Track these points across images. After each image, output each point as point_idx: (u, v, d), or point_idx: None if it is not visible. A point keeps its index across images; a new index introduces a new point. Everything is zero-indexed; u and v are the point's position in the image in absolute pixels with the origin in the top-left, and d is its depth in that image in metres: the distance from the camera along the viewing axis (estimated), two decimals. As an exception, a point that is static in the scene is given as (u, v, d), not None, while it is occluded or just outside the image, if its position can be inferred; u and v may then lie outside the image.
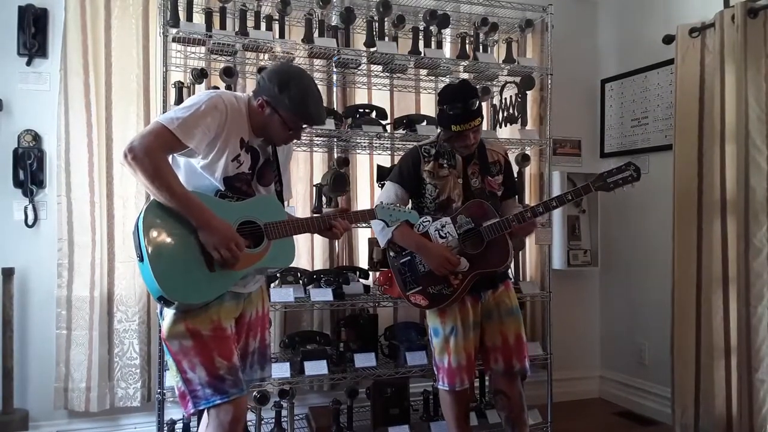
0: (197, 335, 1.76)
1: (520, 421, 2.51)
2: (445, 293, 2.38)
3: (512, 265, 2.55)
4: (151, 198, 1.75)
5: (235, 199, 1.86)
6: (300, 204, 3.30)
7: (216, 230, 1.74)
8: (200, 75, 2.85)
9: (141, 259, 1.71)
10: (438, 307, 2.41)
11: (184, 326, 1.76)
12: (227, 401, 1.76)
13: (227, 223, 1.78)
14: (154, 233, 1.71)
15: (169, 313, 1.79)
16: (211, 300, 1.78)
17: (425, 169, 2.45)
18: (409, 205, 2.49)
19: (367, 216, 2.11)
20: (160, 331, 2.69)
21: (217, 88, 2.59)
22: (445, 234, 2.39)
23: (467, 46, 3.34)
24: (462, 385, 2.42)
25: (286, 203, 2.09)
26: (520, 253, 3.64)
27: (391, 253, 2.51)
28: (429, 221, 2.43)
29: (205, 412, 1.81)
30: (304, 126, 1.99)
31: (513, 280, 2.79)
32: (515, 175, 2.62)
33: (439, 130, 2.54)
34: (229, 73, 2.83)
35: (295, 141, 2.08)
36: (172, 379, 1.85)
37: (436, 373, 2.50)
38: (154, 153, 1.68)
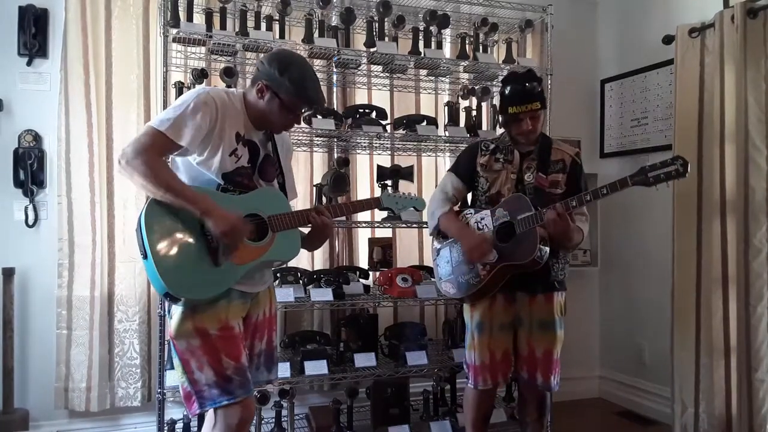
0: (205, 334, 1.75)
1: (535, 428, 2.54)
2: (472, 283, 2.37)
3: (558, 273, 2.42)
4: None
5: (237, 192, 1.85)
6: (300, 204, 3.29)
7: (219, 216, 1.72)
8: (200, 75, 2.85)
9: (145, 257, 1.69)
10: (464, 295, 2.40)
11: (191, 325, 1.75)
12: (234, 402, 1.74)
13: (229, 212, 1.75)
14: (156, 230, 1.71)
15: (177, 311, 1.77)
16: (217, 295, 1.77)
17: (480, 162, 2.47)
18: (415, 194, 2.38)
19: (372, 204, 2.12)
20: (161, 331, 2.73)
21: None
22: (483, 226, 2.39)
23: (467, 46, 3.34)
24: (485, 385, 2.40)
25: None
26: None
27: (436, 244, 2.53)
28: (471, 213, 2.45)
29: (210, 412, 1.80)
30: (304, 110, 1.99)
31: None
32: (584, 177, 2.46)
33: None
34: (229, 74, 2.83)
35: (294, 139, 2.08)
36: (177, 378, 1.82)
37: (465, 369, 2.50)
38: (145, 153, 1.68)
